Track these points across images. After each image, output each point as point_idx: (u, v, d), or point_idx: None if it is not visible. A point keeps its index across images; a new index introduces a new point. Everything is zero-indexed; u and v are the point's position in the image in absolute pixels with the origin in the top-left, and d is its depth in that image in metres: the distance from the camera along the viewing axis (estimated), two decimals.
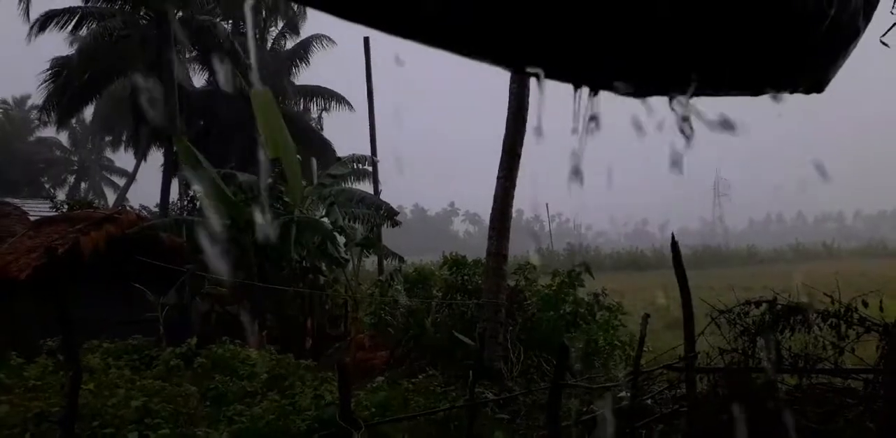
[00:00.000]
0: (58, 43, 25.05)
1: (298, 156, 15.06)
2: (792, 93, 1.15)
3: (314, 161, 17.92)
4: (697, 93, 1.10)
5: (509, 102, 9.98)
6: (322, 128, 31.66)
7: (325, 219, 14.01)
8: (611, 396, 7.03)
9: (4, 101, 54.31)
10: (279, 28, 30.60)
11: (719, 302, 7.70)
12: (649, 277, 28.57)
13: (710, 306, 7.59)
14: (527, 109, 9.95)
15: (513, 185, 10.02)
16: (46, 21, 23.40)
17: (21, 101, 53.58)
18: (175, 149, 21.48)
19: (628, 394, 6.63)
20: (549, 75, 1.07)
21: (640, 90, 1.10)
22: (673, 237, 7.13)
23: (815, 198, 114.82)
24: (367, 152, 21.43)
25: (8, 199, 24.45)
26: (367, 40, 20.95)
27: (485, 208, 10.52)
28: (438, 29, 0.96)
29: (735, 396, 6.35)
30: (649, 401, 6.92)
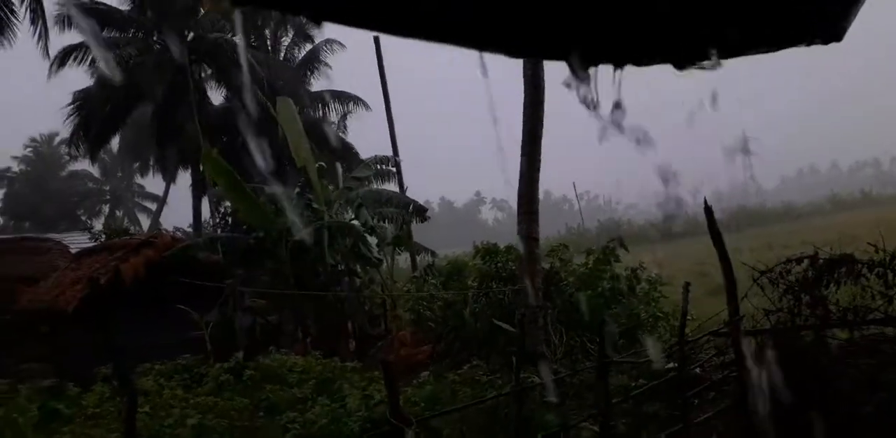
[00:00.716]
0: (78, 77, 25.58)
1: (322, 163, 15.23)
2: (810, 45, 1.11)
3: (338, 165, 18.04)
4: (714, 57, 1.06)
5: (524, 86, 9.92)
6: (346, 132, 31.86)
7: (355, 222, 14.12)
8: (659, 368, 6.96)
9: (33, 140, 55.75)
10: (290, 37, 30.83)
11: (759, 262, 7.57)
12: (686, 245, 28.20)
13: (751, 268, 7.46)
14: (543, 91, 9.87)
15: (536, 168, 9.95)
16: (65, 56, 23.95)
17: (49, 139, 54.89)
18: (202, 167, 21.76)
19: (676, 365, 6.56)
20: (557, 58, 1.05)
21: (653, 61, 1.07)
22: (706, 201, 7.01)
23: (849, 146, 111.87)
24: (390, 151, 21.44)
25: (49, 235, 25.15)
26: (377, 40, 20.91)
27: (511, 194, 10.47)
28: (439, 25, 0.95)
29: (785, 356, 6.25)
30: (698, 370, 6.84)
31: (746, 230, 32.01)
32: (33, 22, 20.38)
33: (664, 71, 1.07)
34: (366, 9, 0.92)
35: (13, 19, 19.98)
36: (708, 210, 6.82)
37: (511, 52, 1.05)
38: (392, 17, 0.94)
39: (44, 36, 20.58)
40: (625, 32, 1.00)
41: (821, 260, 7.18)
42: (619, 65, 1.06)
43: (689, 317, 7.15)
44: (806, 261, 7.31)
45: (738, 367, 6.28)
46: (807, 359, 5.94)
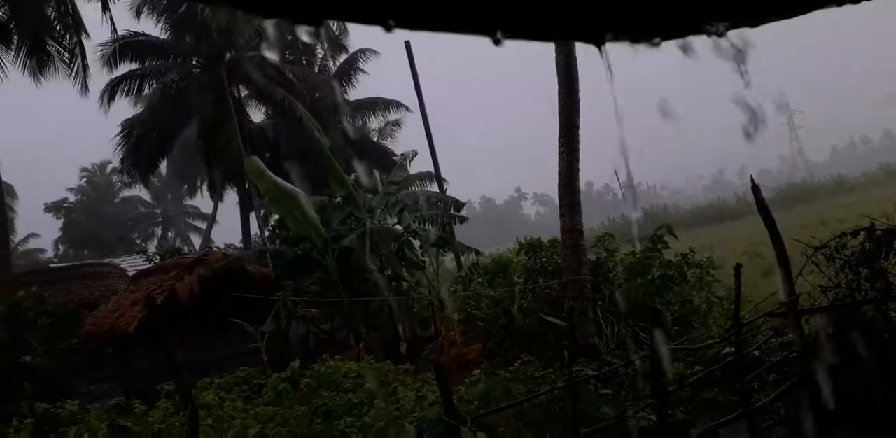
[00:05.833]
0: (120, 106, 26.59)
1: (357, 174, 15.43)
2: (840, 5, 1.05)
3: (377, 172, 18.26)
4: (737, 26, 1.02)
5: (558, 76, 9.85)
6: (388, 137, 32.20)
7: (398, 226, 14.23)
8: (715, 353, 6.81)
9: (85, 169, 57.90)
10: (323, 50, 31.30)
11: (813, 239, 7.32)
12: (736, 227, 27.51)
13: (805, 244, 7.22)
14: (577, 80, 9.79)
15: (576, 159, 9.86)
16: (113, 89, 25.02)
17: (102, 167, 56.92)
18: (247, 178, 22.19)
19: (733, 349, 6.40)
20: (568, 37, 1.03)
21: (672, 34, 1.03)
22: (752, 180, 6.83)
23: None
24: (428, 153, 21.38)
25: (106, 260, 26.14)
26: (408, 44, 20.99)
27: (552, 187, 10.37)
28: (454, 15, 0.95)
29: (846, 332, 6.04)
30: (756, 352, 6.65)
31: (798, 206, 30.97)
32: (73, 57, 21.34)
33: (702, 46, 1.02)
34: (380, 5, 0.92)
35: (61, 56, 21.00)
36: (755, 188, 6.64)
37: (523, 35, 1.03)
38: (407, 13, 0.94)
39: (82, 72, 21.53)
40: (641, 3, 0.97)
41: (878, 232, 6.91)
42: (636, 40, 1.02)
43: (743, 299, 6.95)
44: (862, 234, 7.04)
45: (797, 347, 6.09)
46: (869, 334, 5.72)
